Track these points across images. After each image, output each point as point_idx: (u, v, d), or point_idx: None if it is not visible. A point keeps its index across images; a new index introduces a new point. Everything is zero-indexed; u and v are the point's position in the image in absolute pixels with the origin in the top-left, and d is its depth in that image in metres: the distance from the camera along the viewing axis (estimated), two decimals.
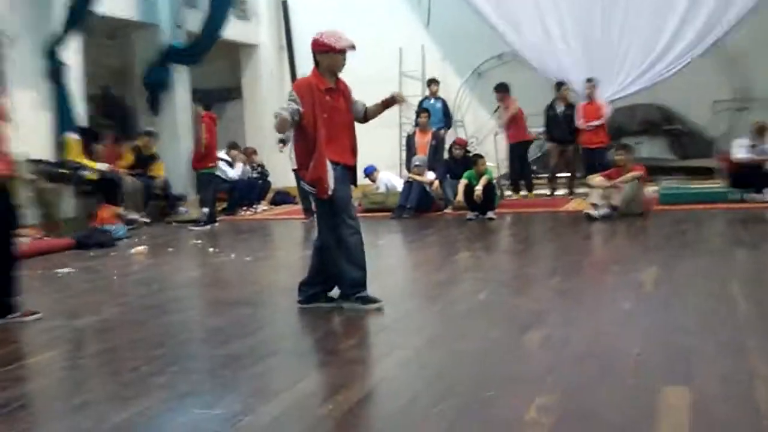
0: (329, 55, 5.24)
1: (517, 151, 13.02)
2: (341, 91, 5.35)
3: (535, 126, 13.34)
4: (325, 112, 5.20)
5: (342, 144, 5.28)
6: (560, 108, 12.82)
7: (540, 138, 13.28)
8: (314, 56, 5.31)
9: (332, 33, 5.26)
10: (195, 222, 11.29)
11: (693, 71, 12.96)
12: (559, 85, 12.92)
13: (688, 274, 6.20)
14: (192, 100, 11.71)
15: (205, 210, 11.22)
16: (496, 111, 13.83)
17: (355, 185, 5.52)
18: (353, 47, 5.25)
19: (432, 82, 13.79)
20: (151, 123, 13.14)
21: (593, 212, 9.85)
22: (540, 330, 4.59)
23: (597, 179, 10.18)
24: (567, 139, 12.78)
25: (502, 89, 13.06)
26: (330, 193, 5.16)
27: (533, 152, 14.13)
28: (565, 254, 7.51)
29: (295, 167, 5.44)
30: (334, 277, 5.35)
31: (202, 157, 11.27)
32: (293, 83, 5.39)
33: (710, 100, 13.52)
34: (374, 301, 5.29)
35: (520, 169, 13.09)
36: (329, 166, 5.17)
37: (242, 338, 4.72)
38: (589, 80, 12.52)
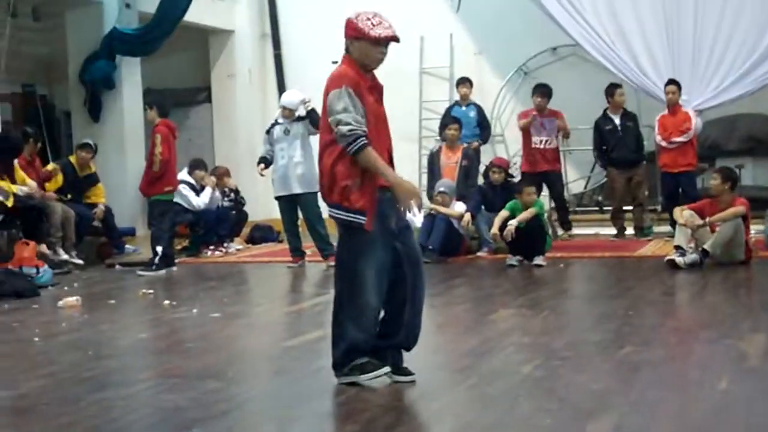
0: (361, 43, 5.22)
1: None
2: (380, 91, 5.41)
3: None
4: (371, 116, 5.24)
5: (384, 161, 5.29)
6: (617, 119, 12.88)
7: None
8: (346, 43, 5.34)
9: (372, 15, 5.23)
10: (145, 265, 11.32)
11: None
12: (613, 88, 13.00)
13: None
14: (144, 103, 11.80)
15: (159, 249, 11.26)
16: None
17: None
18: (396, 39, 5.22)
19: (463, 82, 13.86)
20: (90, 133, 13.24)
21: (679, 259, 9.86)
22: (607, 418, 4.56)
23: (685, 214, 10.18)
24: (634, 159, 12.82)
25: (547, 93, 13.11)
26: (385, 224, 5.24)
27: (596, 178, 14.21)
28: (638, 315, 7.48)
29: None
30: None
31: (156, 180, 11.32)
32: (334, 77, 5.24)
33: None
34: (378, 367, 5.30)
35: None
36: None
37: (207, 422, 4.70)
38: (672, 83, 12.55)
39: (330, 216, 5.36)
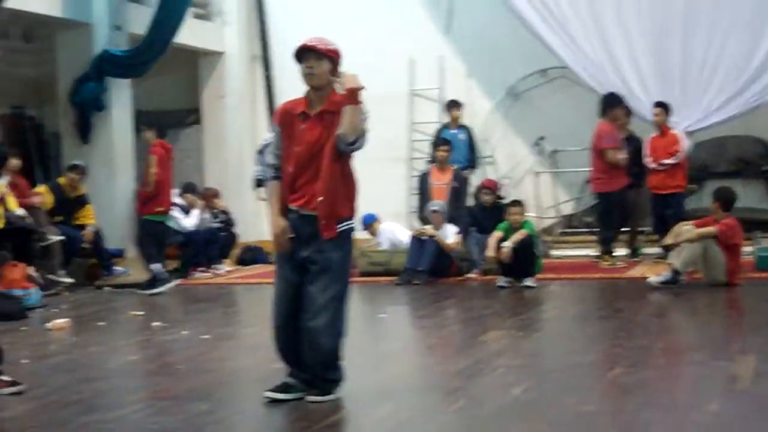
0: None
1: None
2: (323, 114, 5.38)
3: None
4: (298, 145, 5.38)
5: (306, 187, 5.39)
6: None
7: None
8: None
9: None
10: (144, 286, 11.37)
11: None
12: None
13: None
14: (138, 124, 11.72)
15: (158, 267, 11.32)
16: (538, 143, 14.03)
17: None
18: (302, 49, 5.35)
19: (454, 104, 13.85)
20: (79, 154, 13.21)
21: (652, 278, 10.11)
22: None
23: (684, 228, 10.18)
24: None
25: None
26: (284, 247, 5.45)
27: (586, 200, 14.23)
28: (628, 336, 7.48)
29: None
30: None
31: (149, 200, 11.28)
32: None
33: None
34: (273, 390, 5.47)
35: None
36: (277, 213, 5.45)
37: None
38: (657, 105, 12.55)
39: None
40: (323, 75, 5.33)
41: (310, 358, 5.41)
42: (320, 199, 5.32)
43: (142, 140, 11.61)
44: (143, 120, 11.85)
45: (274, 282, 5.54)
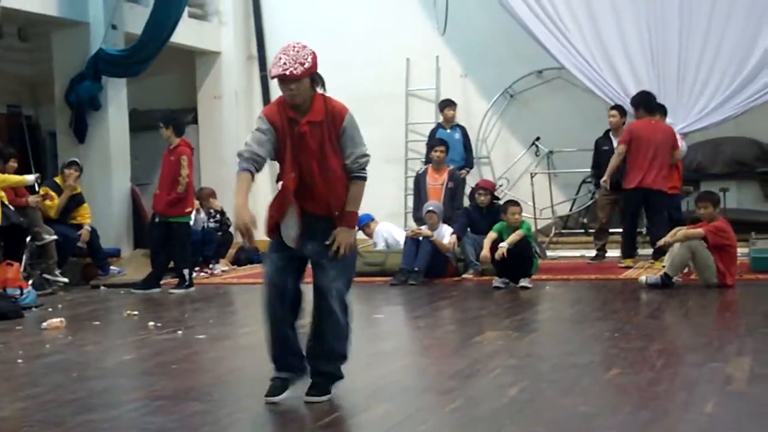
0: None
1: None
2: (313, 123, 5.36)
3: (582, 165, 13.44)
4: (300, 151, 5.37)
5: (311, 195, 5.40)
6: (615, 141, 12.79)
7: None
8: None
9: (282, 50, 5.31)
10: (176, 286, 11.51)
11: None
12: (618, 109, 12.95)
13: None
14: (159, 121, 11.58)
15: (186, 272, 11.48)
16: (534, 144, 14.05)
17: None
18: (279, 77, 5.26)
19: (448, 104, 13.87)
20: (75, 154, 13.20)
21: (642, 278, 10.27)
22: None
23: (679, 234, 10.17)
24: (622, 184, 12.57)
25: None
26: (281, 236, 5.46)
27: (581, 201, 14.22)
28: (624, 337, 7.48)
29: None
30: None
31: (179, 201, 11.29)
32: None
33: None
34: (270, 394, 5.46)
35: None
36: (292, 212, 5.41)
37: None
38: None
39: None
40: (305, 92, 5.32)
41: (328, 342, 5.46)
42: (337, 213, 5.45)
43: (162, 138, 11.49)
44: (160, 117, 11.68)
45: (266, 278, 5.49)
